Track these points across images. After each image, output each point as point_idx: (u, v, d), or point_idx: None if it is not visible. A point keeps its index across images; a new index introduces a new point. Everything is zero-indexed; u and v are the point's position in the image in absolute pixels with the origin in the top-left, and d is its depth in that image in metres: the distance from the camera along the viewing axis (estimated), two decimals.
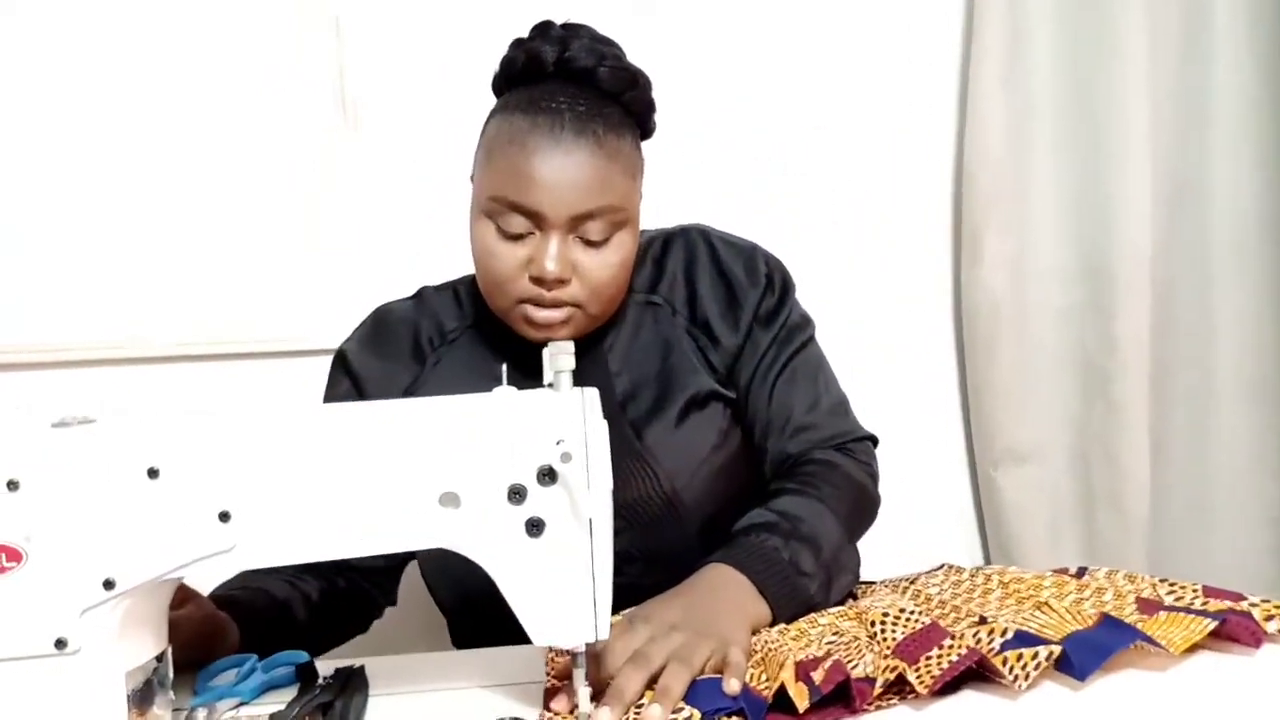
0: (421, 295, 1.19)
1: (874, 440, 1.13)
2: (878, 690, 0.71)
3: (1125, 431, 1.68)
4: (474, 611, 1.10)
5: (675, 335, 1.10)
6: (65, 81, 1.56)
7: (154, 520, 0.67)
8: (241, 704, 0.82)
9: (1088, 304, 1.69)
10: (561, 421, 0.70)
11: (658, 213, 1.20)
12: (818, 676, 0.72)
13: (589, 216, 0.97)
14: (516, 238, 0.99)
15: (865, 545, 1.05)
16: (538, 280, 0.98)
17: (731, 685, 0.72)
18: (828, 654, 0.78)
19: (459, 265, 1.14)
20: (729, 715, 0.71)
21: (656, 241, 1.14)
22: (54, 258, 1.57)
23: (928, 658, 0.74)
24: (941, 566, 1.02)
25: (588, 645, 0.72)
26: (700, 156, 1.69)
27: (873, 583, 1.04)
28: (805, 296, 1.16)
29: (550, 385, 0.73)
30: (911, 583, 0.99)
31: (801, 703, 0.69)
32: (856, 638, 0.83)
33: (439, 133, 1.60)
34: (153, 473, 0.66)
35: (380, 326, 1.17)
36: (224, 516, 0.67)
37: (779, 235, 1.18)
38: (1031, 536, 1.71)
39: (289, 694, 0.83)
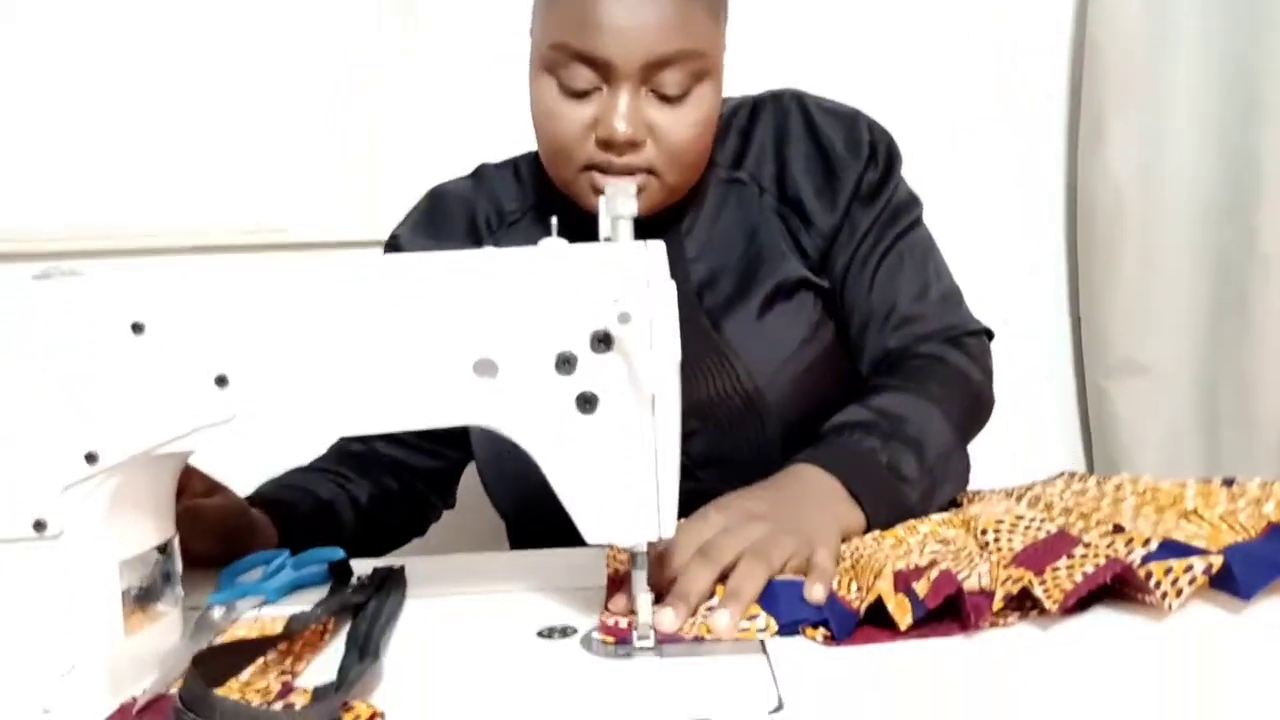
0: (480, 173, 1.08)
1: (989, 334, 1.00)
2: (997, 605, 0.59)
3: (1262, 348, 1.49)
4: (533, 515, 0.99)
5: (762, 217, 0.97)
6: None
7: (139, 384, 0.57)
8: (265, 603, 0.74)
9: (1227, 204, 1.49)
10: (619, 277, 0.58)
11: (742, 79, 1.07)
12: (921, 588, 0.60)
13: (665, 64, 0.83)
14: (581, 94, 0.86)
15: None
16: (606, 144, 0.85)
17: (815, 591, 0.62)
18: (932, 562, 0.65)
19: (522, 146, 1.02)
20: (812, 626, 0.60)
21: (743, 109, 1.01)
22: (100, 147, 1.50)
23: (1055, 569, 0.61)
24: (1061, 474, 0.89)
25: (650, 545, 0.61)
26: (790, 12, 1.53)
27: (979, 491, 0.91)
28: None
29: (608, 239, 0.61)
30: (1027, 490, 0.86)
31: (903, 618, 0.58)
32: (966, 546, 0.70)
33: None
34: (137, 328, 0.56)
35: (435, 208, 1.07)
36: (221, 381, 0.57)
37: (874, 108, 1.04)
38: (1145, 455, 1.55)
39: (319, 594, 0.74)
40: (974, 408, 0.92)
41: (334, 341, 0.57)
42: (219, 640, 0.65)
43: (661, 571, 0.65)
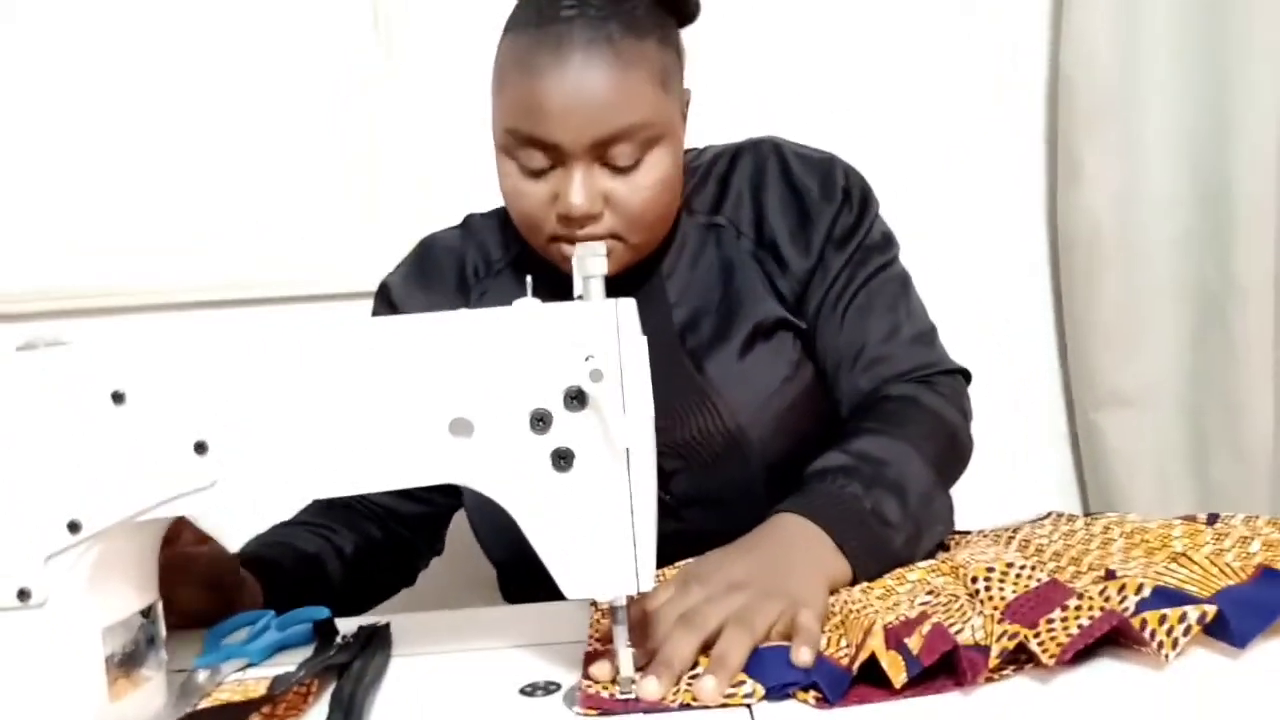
0: (468, 224, 1.11)
1: (966, 375, 1.00)
2: (994, 661, 0.58)
3: (1245, 372, 1.50)
4: (523, 563, 0.98)
5: (740, 259, 0.98)
6: (93, 22, 1.48)
7: (121, 453, 0.58)
8: (249, 665, 0.74)
9: (1204, 231, 1.51)
10: (591, 335, 0.59)
11: (720, 127, 1.08)
12: (914, 644, 0.60)
13: (613, 140, 0.85)
14: (539, 173, 0.88)
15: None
16: (566, 218, 0.88)
17: (802, 654, 0.61)
18: (923, 615, 0.65)
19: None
20: (802, 690, 0.60)
21: (724, 157, 1.03)
22: (84, 202, 1.51)
23: (1049, 621, 0.61)
24: (1049, 515, 0.89)
25: (629, 599, 0.62)
26: (765, 58, 1.56)
27: (966, 533, 0.91)
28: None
29: (580, 297, 0.62)
30: (1015, 533, 0.86)
31: (897, 676, 0.57)
32: (956, 596, 0.71)
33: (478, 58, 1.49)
34: (118, 397, 0.57)
35: (425, 258, 1.09)
36: (200, 448, 0.58)
37: (851, 148, 1.05)
38: (1138, 487, 1.56)
39: (304, 654, 0.75)
40: (950, 447, 0.91)
41: (312, 404, 0.58)
42: (203, 704, 0.65)
43: (643, 639, 0.65)
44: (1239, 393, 1.51)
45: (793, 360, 0.97)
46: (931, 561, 0.79)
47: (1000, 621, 0.61)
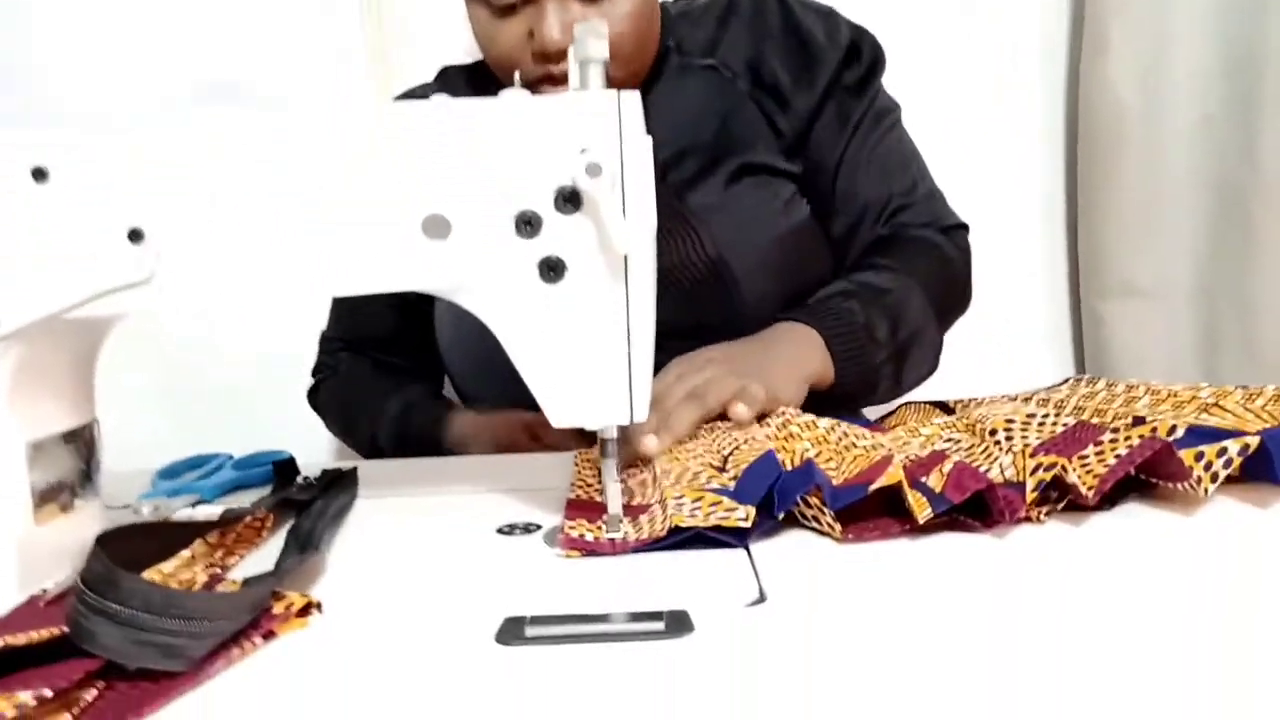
0: (444, 74, 1.07)
1: (966, 229, 1.01)
2: (1031, 495, 0.52)
3: (1263, 265, 1.44)
4: (501, 397, 0.95)
5: (735, 102, 0.94)
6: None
7: (43, 238, 0.50)
8: (201, 502, 0.68)
9: (1231, 114, 1.43)
10: (588, 127, 0.51)
11: None
12: (934, 482, 0.54)
13: None
14: (508, 9, 0.84)
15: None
16: (543, 55, 0.84)
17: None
18: (941, 455, 0.59)
19: None
20: (804, 501, 0.54)
21: (719, 1, 0.98)
22: None
23: (1083, 457, 0.55)
24: (1066, 380, 0.83)
25: (621, 430, 0.55)
26: None
27: (974, 398, 0.86)
28: (887, 79, 1.00)
29: (576, 88, 0.54)
30: (1031, 394, 0.80)
31: (921, 511, 0.51)
32: (980, 443, 0.64)
33: None
34: (39, 174, 0.49)
35: None
36: (134, 235, 0.50)
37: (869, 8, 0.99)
38: (1140, 379, 1.50)
39: (263, 495, 0.68)
40: (954, 294, 0.95)
41: (265, 193, 0.51)
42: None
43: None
44: (1255, 287, 1.45)
45: (783, 198, 0.94)
46: (946, 419, 0.73)
47: (1033, 456, 0.55)
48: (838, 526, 0.52)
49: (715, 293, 0.90)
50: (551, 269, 0.52)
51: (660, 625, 0.45)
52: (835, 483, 0.56)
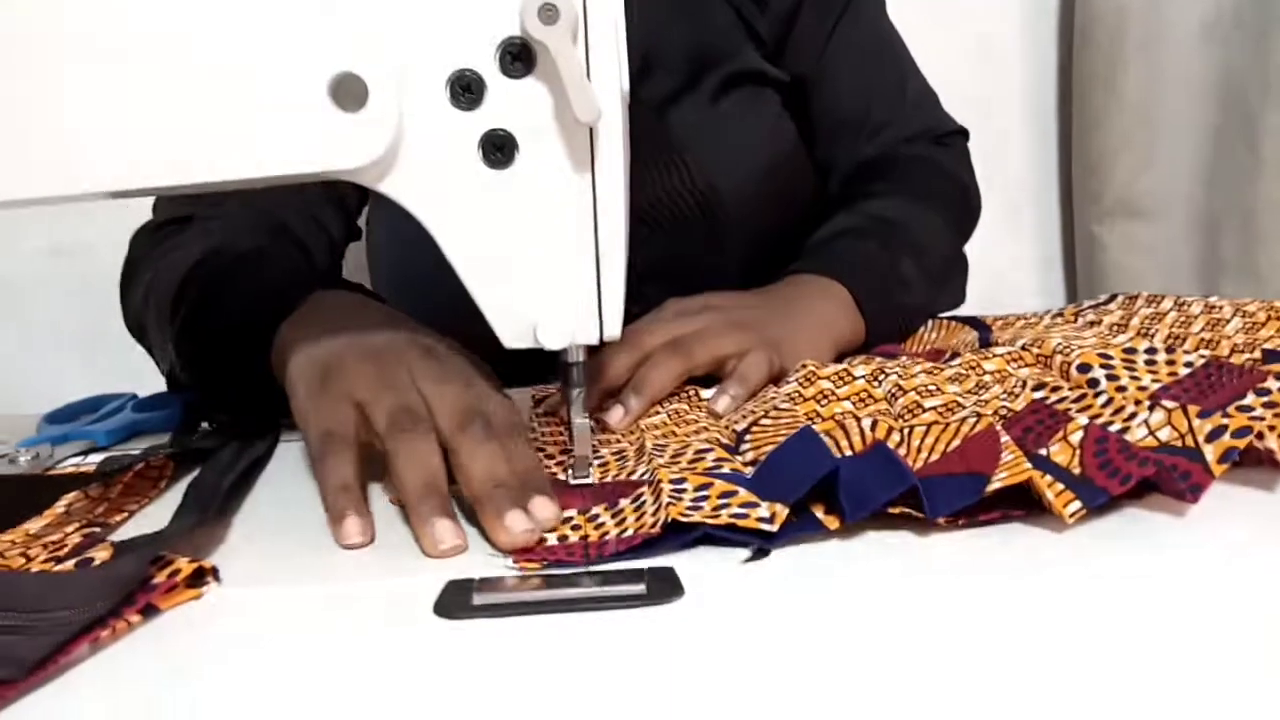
0: None
1: (966, 135, 0.90)
2: (1219, 469, 0.39)
3: (1268, 184, 1.35)
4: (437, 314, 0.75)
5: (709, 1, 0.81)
6: None
7: None
8: (95, 449, 0.57)
9: (1238, 14, 1.33)
10: None
11: None
12: (1063, 457, 0.41)
13: None
14: None
15: None
16: None
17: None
18: (1051, 411, 0.46)
19: None
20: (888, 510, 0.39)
21: None
22: None
23: (1245, 410, 0.43)
24: (1114, 297, 0.71)
25: (587, 351, 0.46)
26: None
27: (1004, 318, 0.74)
28: None
29: None
30: (1076, 315, 0.69)
31: (1066, 507, 0.38)
32: (1078, 389, 0.50)
33: None
34: None
35: None
36: None
37: None
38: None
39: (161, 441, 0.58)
40: (964, 207, 0.83)
41: (123, 52, 0.39)
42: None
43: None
44: (1259, 206, 1.36)
45: (774, 116, 0.82)
46: (1005, 350, 0.58)
47: (1199, 415, 0.42)
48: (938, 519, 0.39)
49: (703, 230, 0.78)
50: (498, 148, 0.42)
51: (641, 588, 0.36)
52: (914, 465, 0.43)
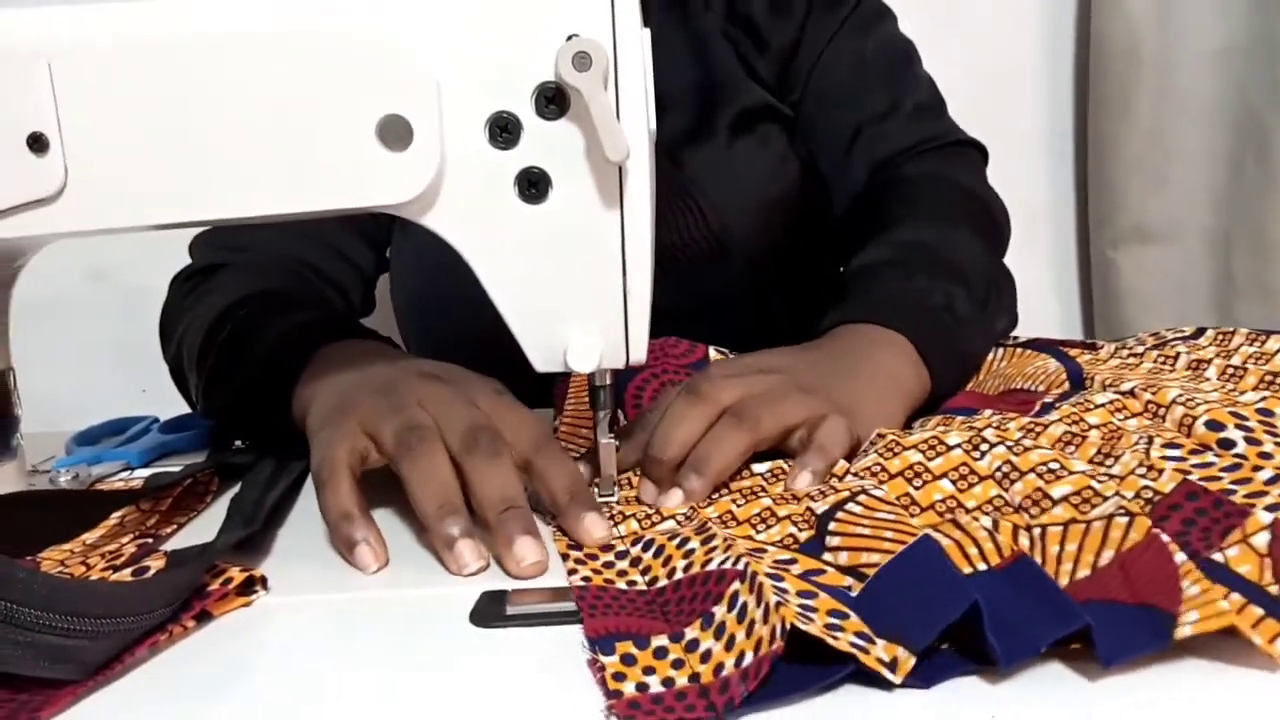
0: None
1: (982, 151, 0.86)
2: None
3: None
4: (467, 342, 0.68)
5: (709, 35, 0.83)
6: None
7: None
8: (129, 468, 0.60)
9: (1251, 41, 1.35)
10: (575, 8, 0.43)
11: None
12: (1242, 564, 0.34)
13: None
14: None
15: None
16: None
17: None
18: (1207, 494, 0.38)
19: None
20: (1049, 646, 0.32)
21: None
22: None
23: None
24: (1201, 331, 0.65)
25: (614, 374, 0.48)
26: None
27: (1085, 343, 0.72)
28: None
29: None
30: (1160, 344, 0.64)
31: (1273, 645, 0.31)
32: (1204, 447, 0.44)
33: None
34: None
35: None
36: (37, 142, 0.42)
37: None
38: (1152, 329, 1.44)
39: (198, 460, 0.61)
40: (990, 220, 0.76)
41: (189, 95, 0.42)
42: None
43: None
44: (1272, 228, 1.38)
45: (780, 153, 0.83)
46: (1109, 399, 0.51)
47: None
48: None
49: (713, 268, 0.79)
50: (532, 184, 0.44)
51: None
52: (1058, 580, 0.35)
